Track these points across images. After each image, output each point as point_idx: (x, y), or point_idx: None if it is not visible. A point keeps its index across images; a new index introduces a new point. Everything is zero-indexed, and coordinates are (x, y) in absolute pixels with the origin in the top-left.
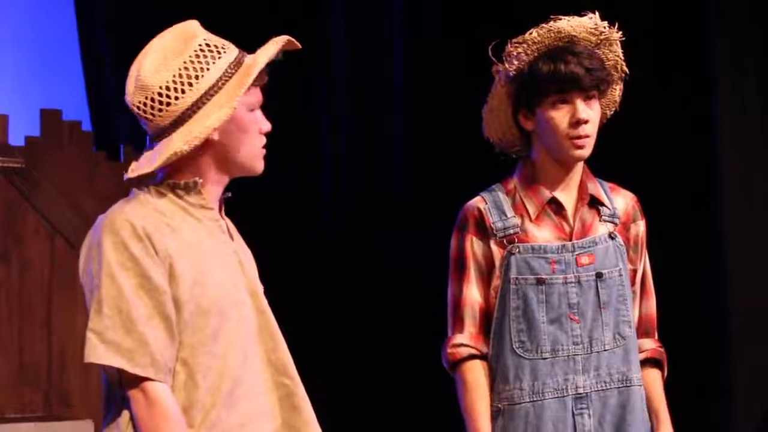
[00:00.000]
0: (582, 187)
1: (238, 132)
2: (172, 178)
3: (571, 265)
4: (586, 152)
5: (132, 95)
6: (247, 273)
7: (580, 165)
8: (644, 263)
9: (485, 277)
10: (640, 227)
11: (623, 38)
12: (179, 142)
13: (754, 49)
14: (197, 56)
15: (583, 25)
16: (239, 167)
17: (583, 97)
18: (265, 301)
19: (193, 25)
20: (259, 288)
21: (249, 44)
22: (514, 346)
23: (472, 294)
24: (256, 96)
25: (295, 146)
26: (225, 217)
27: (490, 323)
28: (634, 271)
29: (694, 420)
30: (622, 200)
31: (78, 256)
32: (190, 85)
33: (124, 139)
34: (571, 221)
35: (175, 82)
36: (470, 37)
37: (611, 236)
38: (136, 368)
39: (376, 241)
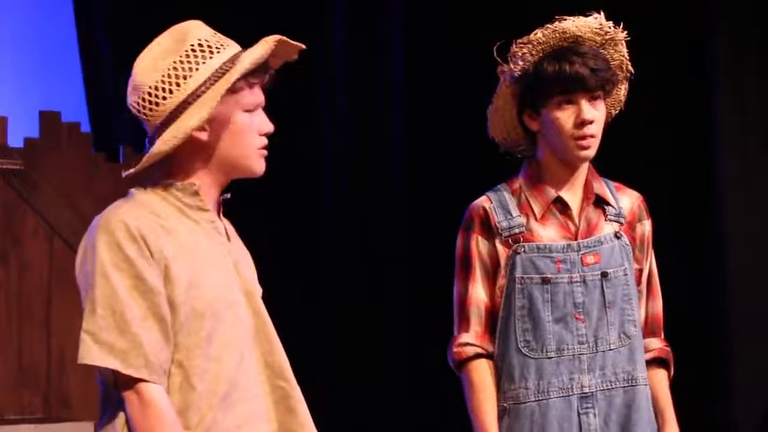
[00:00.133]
0: (587, 186)
1: (231, 133)
2: (169, 179)
3: (577, 264)
4: (591, 152)
5: (129, 95)
6: (241, 274)
7: (586, 164)
8: (650, 263)
9: (491, 277)
10: (645, 227)
11: (628, 38)
12: (160, 143)
13: (754, 49)
14: (187, 56)
15: (588, 25)
16: (235, 168)
17: (588, 98)
18: (261, 303)
19: (189, 25)
20: (256, 289)
21: (249, 44)
22: (519, 346)
23: (478, 293)
24: (255, 96)
25: (295, 146)
26: (223, 219)
27: (495, 322)
28: (640, 271)
29: (694, 420)
30: (627, 200)
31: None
32: (178, 85)
33: (123, 141)
34: (577, 221)
35: (164, 81)
36: (470, 37)
37: (617, 236)
38: (130, 369)
39: (376, 241)
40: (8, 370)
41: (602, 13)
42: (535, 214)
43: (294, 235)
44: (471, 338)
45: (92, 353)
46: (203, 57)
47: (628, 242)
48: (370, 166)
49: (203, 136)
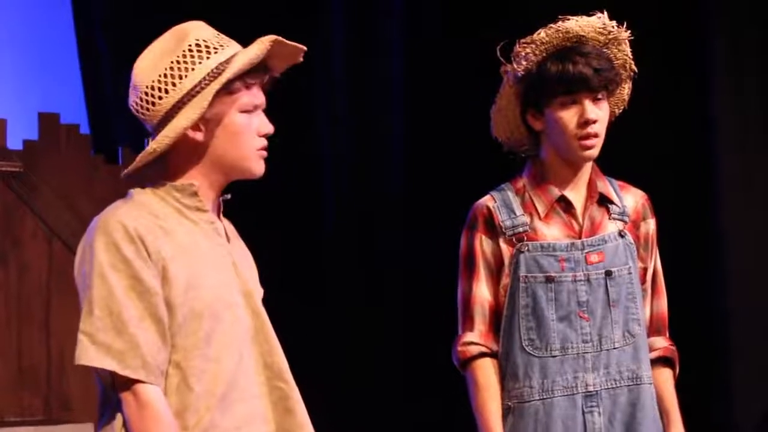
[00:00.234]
0: (591, 185)
1: (228, 133)
2: (167, 179)
3: (581, 263)
4: (595, 152)
5: (129, 95)
6: (240, 274)
7: (590, 163)
8: (655, 262)
9: (495, 275)
10: (650, 225)
11: (631, 37)
12: (154, 142)
13: (754, 49)
14: (184, 56)
15: (592, 24)
16: (233, 169)
17: (592, 98)
18: (260, 303)
19: (191, 26)
20: (256, 290)
21: (249, 44)
22: (523, 344)
23: (482, 292)
24: (253, 97)
25: (294, 146)
26: (223, 219)
27: (499, 321)
28: (645, 270)
29: (694, 419)
30: (631, 198)
31: None
32: (174, 84)
33: (122, 142)
34: (581, 219)
35: (160, 81)
36: (470, 37)
37: (621, 234)
38: (127, 370)
39: (376, 241)
40: (8, 371)
41: (605, 12)
42: (538, 213)
43: (294, 236)
44: (475, 337)
45: (89, 354)
46: (200, 57)
47: (632, 241)
48: (370, 166)
49: (199, 136)
